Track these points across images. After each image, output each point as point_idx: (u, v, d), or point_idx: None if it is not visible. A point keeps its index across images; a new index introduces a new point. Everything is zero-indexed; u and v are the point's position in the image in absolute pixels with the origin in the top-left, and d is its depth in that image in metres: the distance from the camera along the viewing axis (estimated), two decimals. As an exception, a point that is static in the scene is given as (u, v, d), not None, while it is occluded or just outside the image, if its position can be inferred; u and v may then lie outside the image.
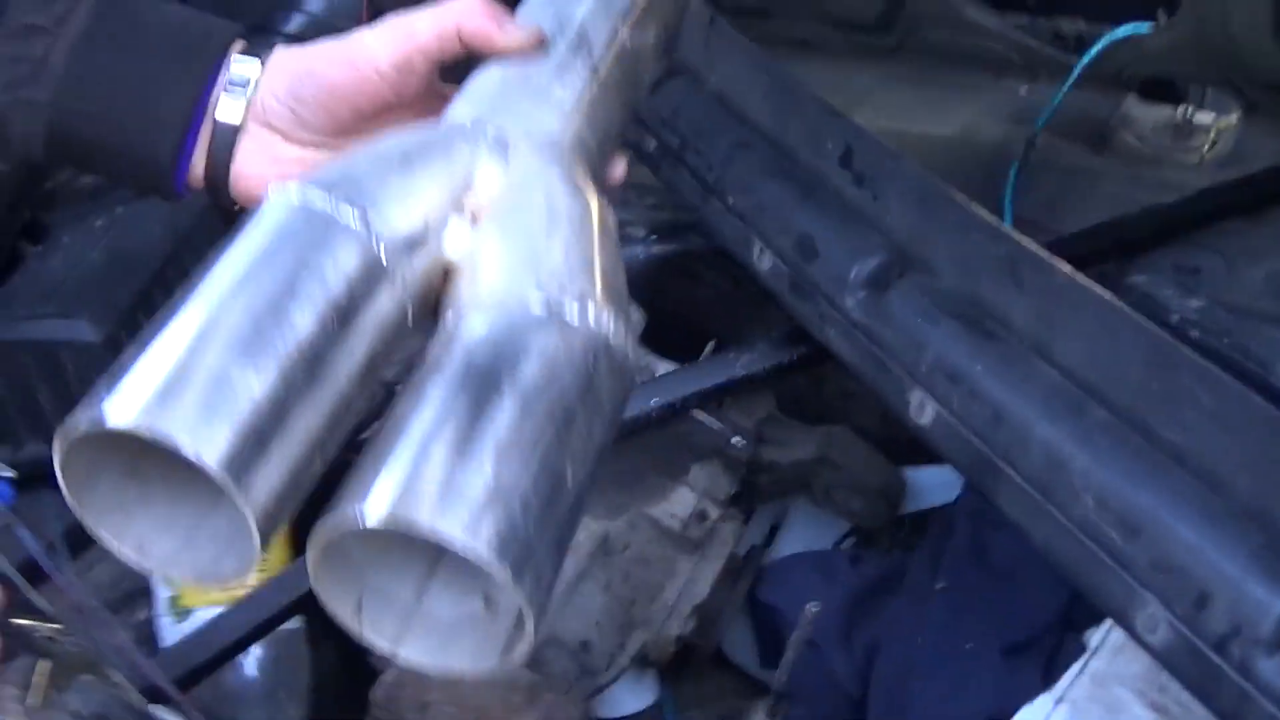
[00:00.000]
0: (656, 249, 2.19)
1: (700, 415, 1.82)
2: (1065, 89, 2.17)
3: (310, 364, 0.85)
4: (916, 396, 1.45)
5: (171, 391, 0.81)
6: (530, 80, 1.09)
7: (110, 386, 0.82)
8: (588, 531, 1.78)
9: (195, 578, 0.91)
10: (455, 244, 0.96)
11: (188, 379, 0.81)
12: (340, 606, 0.86)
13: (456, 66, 1.16)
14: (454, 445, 0.82)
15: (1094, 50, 2.22)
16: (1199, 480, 1.22)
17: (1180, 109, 2.32)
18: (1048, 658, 1.72)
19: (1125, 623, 1.23)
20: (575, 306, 0.91)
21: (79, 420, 0.81)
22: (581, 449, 0.88)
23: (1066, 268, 1.42)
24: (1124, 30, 2.24)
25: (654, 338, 1.97)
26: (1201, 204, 1.97)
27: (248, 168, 1.17)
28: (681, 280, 2.19)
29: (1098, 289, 1.39)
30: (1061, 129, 2.23)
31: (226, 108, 1.15)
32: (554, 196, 0.99)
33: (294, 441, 0.85)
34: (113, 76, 1.15)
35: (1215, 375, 1.25)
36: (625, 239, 2.19)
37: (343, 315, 0.88)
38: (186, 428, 0.79)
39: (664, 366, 1.90)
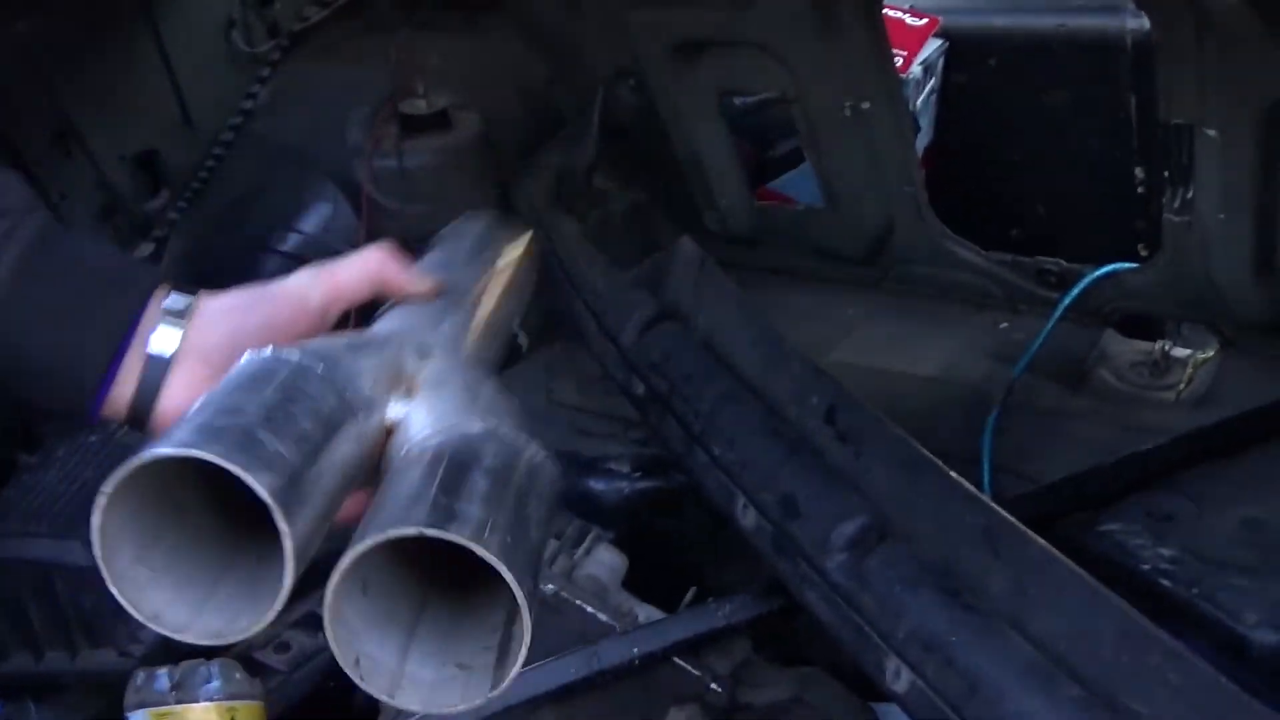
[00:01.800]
0: (640, 485, 2.22)
1: (679, 661, 1.85)
2: (1045, 332, 2.23)
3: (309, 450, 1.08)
4: (892, 664, 1.48)
5: (215, 433, 1.02)
6: (430, 314, 1.39)
7: (154, 441, 1.02)
8: (569, 781, 1.80)
9: (211, 638, 1.09)
10: (395, 411, 1.23)
11: (226, 430, 1.03)
12: (344, 658, 1.07)
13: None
14: (450, 488, 1.08)
15: (1075, 290, 2.29)
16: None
17: (1158, 345, 2.38)
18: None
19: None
20: (507, 430, 1.19)
21: (130, 460, 1.01)
22: (537, 519, 1.14)
23: (1041, 541, 1.47)
24: (1106, 269, 2.31)
25: (636, 576, 2.00)
26: (1176, 450, 2.01)
27: (174, 400, 1.23)
28: (665, 517, 2.22)
29: (1070, 564, 1.43)
30: (1040, 366, 2.29)
31: (162, 338, 1.24)
32: (470, 379, 1.30)
33: (318, 492, 1.08)
34: (43, 303, 1.23)
35: (1184, 655, 1.29)
36: (608, 474, 2.22)
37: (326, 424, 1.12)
38: (238, 456, 0.99)
39: (645, 610, 1.92)
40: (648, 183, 2.78)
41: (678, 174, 2.68)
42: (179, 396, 1.23)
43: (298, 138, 2.78)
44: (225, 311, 1.27)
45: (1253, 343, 2.32)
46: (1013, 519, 1.51)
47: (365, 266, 1.36)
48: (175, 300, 1.25)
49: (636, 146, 2.69)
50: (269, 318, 1.28)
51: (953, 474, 1.59)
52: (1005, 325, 2.47)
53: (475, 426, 1.19)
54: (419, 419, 1.22)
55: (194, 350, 1.24)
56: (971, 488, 1.57)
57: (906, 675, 1.46)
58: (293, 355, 1.15)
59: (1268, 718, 1.23)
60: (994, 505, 1.54)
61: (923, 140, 3.00)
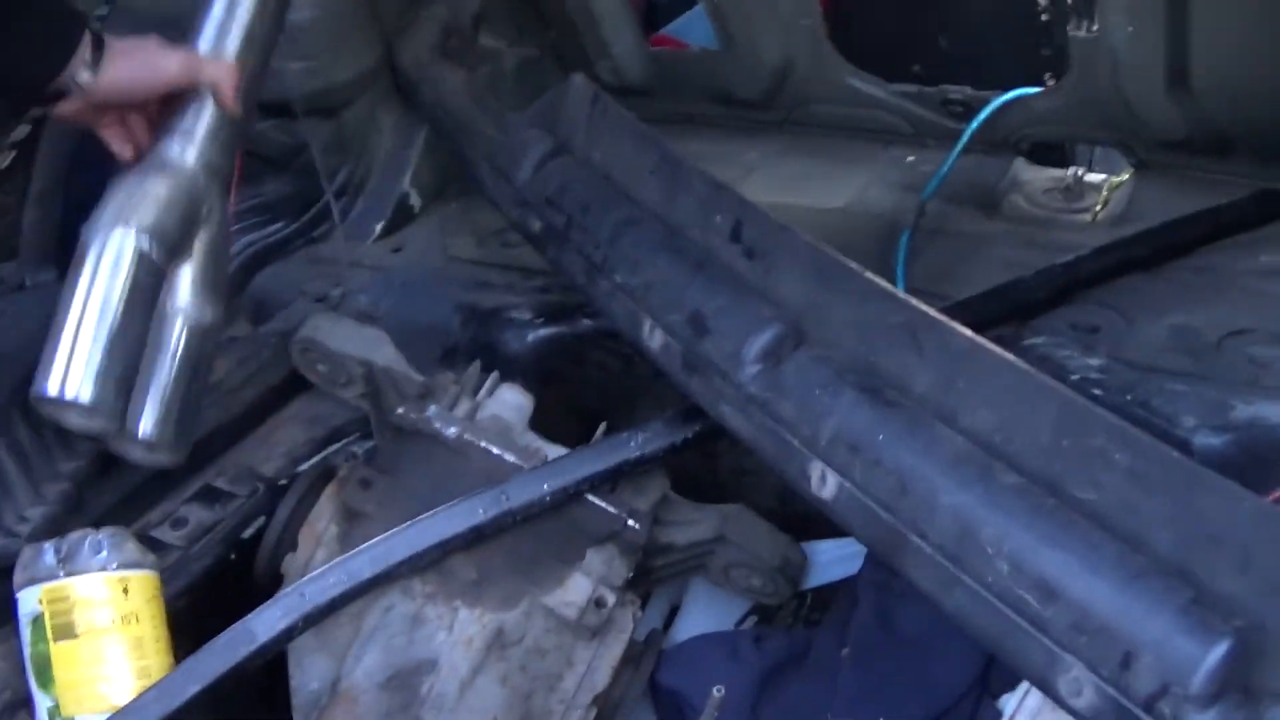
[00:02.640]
0: (543, 332, 2.13)
1: (593, 499, 1.76)
2: (955, 155, 2.16)
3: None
4: (817, 469, 1.41)
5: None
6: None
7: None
8: (481, 625, 1.71)
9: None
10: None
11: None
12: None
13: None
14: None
15: (983, 115, 2.23)
16: (1118, 538, 1.19)
17: (1070, 171, 2.32)
18: (970, 722, 1.68)
19: (1048, 688, 1.19)
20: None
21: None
22: None
23: (967, 332, 1.39)
24: (1013, 94, 2.25)
25: (543, 423, 1.91)
26: (1097, 262, 1.96)
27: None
28: (570, 364, 2.14)
29: (1000, 351, 1.36)
30: (952, 195, 2.23)
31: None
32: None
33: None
34: None
35: (1129, 432, 1.22)
36: (511, 323, 2.13)
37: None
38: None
39: (554, 450, 1.83)
40: (538, 36, 2.68)
41: (568, 25, 2.58)
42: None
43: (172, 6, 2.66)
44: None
45: (1166, 162, 2.28)
46: (935, 313, 1.43)
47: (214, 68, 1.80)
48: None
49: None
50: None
51: (869, 274, 1.51)
52: (912, 159, 2.41)
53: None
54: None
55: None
56: (890, 286, 1.49)
57: (833, 479, 1.39)
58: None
59: (1225, 488, 1.16)
60: (915, 302, 1.46)
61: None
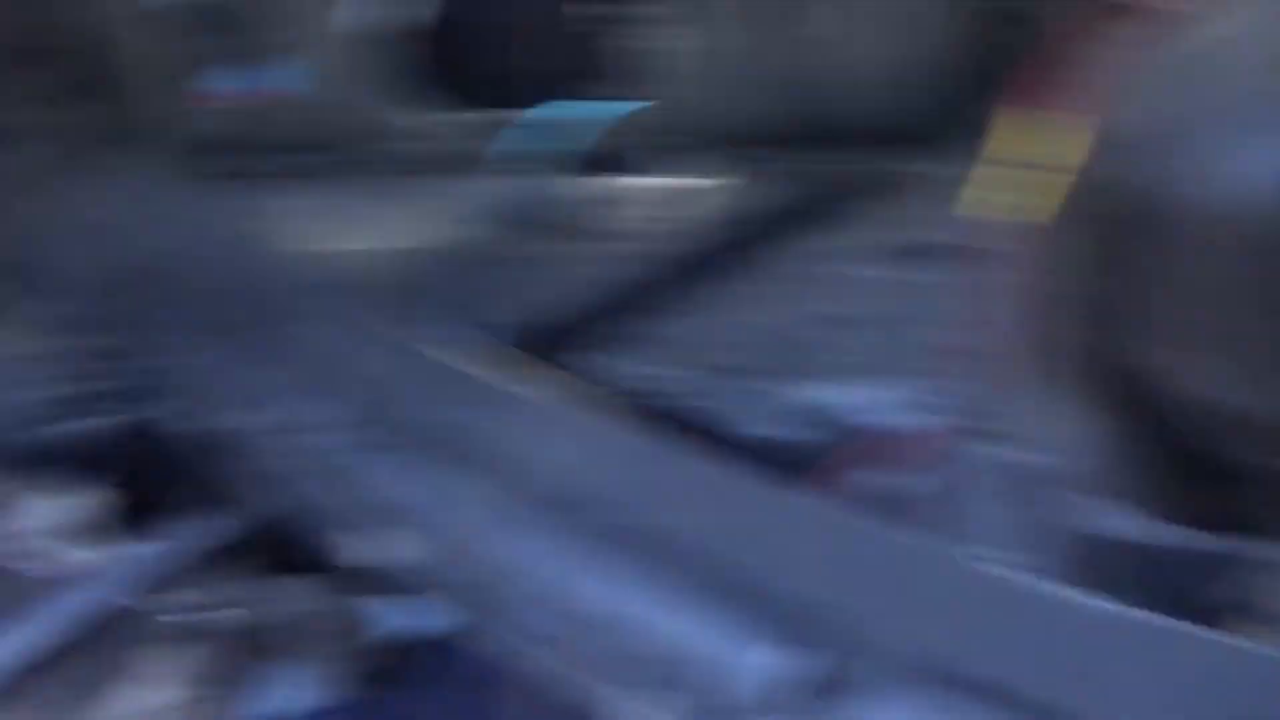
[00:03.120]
0: (94, 423, 2.00)
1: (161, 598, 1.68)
2: (518, 178, 2.14)
3: None
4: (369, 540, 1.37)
5: None
6: None
7: None
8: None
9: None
10: None
11: None
12: None
13: None
14: None
15: (543, 134, 2.21)
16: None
17: (636, 180, 2.33)
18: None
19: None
20: None
21: None
22: None
23: (525, 385, 1.37)
24: (583, 109, 2.24)
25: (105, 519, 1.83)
26: (665, 269, 1.96)
27: None
28: (125, 453, 2.03)
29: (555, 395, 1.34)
30: (528, 219, 2.20)
31: None
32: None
33: None
34: None
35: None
36: (60, 416, 2.02)
37: None
38: None
39: (106, 553, 1.75)
40: (85, 105, 2.58)
41: (116, 89, 2.49)
42: None
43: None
44: None
45: (737, 159, 2.30)
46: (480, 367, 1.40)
47: None
48: None
49: (67, 68, 2.49)
50: None
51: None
52: (487, 185, 2.38)
53: None
54: None
55: None
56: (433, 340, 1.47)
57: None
58: None
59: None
60: (468, 356, 1.43)
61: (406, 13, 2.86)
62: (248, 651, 1.82)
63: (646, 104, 2.23)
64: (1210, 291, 1.32)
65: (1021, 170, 1.58)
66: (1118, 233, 1.42)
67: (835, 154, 2.24)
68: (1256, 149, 1.28)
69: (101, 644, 1.65)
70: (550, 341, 1.84)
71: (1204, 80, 1.37)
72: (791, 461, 1.68)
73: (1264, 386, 1.33)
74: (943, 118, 2.16)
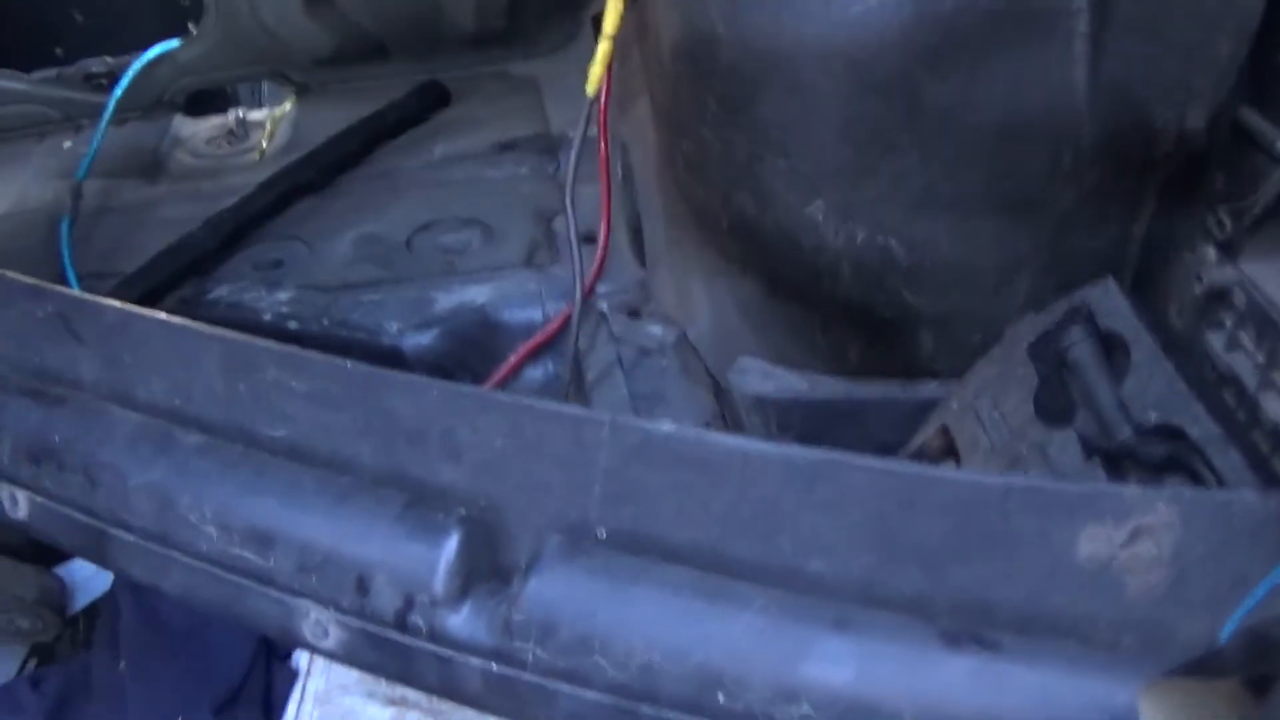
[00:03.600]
0: None
1: None
2: (102, 129, 2.06)
3: None
4: (5, 492, 1.30)
5: None
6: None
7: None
8: None
9: None
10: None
11: None
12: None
13: None
14: None
15: (124, 81, 2.13)
16: (319, 465, 1.16)
17: (230, 114, 2.28)
18: (264, 695, 1.63)
19: (295, 638, 1.15)
20: None
21: None
22: None
23: (121, 305, 1.31)
24: (152, 52, 2.17)
25: None
26: (265, 197, 1.93)
27: None
28: None
29: (156, 315, 1.29)
30: (114, 170, 2.13)
31: None
32: None
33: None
34: None
35: (299, 357, 1.19)
36: None
37: None
38: None
39: None
40: None
41: None
42: None
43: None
44: None
45: (326, 80, 2.27)
46: (88, 297, 1.34)
47: None
48: None
49: None
50: None
51: (10, 274, 1.40)
52: (70, 144, 2.28)
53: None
54: None
55: None
56: (31, 280, 1.39)
57: (24, 497, 1.29)
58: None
59: (412, 384, 1.15)
60: (65, 290, 1.37)
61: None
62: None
63: (226, 35, 2.16)
64: (815, 134, 1.36)
65: (610, 43, 1.59)
66: (691, 84, 1.45)
67: (425, 64, 2.23)
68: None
69: None
70: (166, 279, 1.78)
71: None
72: (437, 364, 1.69)
73: (885, 225, 1.37)
74: (537, 17, 2.17)
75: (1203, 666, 0.84)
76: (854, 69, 1.30)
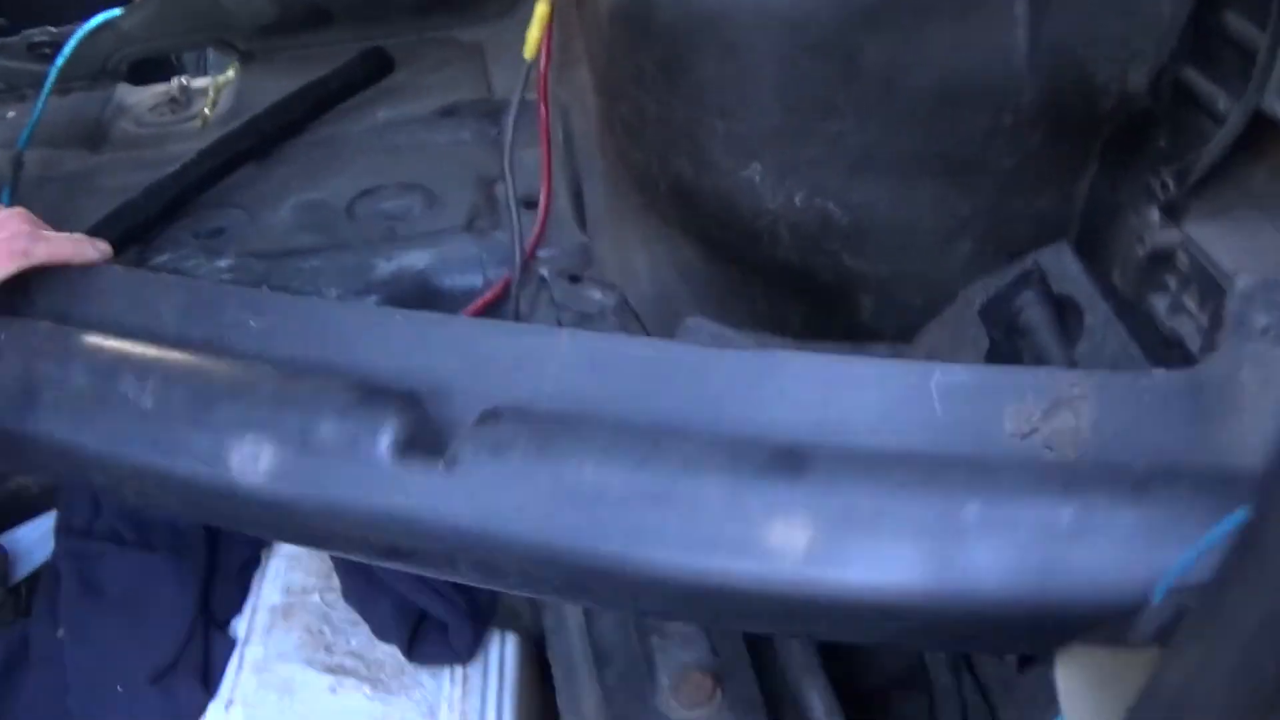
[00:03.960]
0: None
1: None
2: (43, 98, 2.03)
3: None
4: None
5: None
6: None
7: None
8: None
9: None
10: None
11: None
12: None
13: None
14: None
15: (66, 50, 2.10)
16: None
17: (174, 82, 2.25)
18: (202, 663, 1.62)
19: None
20: None
21: None
22: None
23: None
24: (94, 21, 2.14)
25: None
26: (206, 163, 1.90)
27: None
28: None
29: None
30: (56, 140, 2.10)
31: None
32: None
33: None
34: None
35: (256, 297, 1.18)
36: None
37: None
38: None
39: None
40: None
41: None
42: None
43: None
44: None
45: (270, 48, 2.25)
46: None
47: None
48: None
49: None
50: None
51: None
52: (12, 114, 2.25)
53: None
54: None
55: None
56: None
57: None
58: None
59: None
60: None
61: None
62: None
63: (166, 3, 2.14)
64: (752, 96, 1.36)
65: (547, 5, 1.59)
66: (636, 52, 1.44)
67: (367, 30, 2.21)
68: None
69: None
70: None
71: None
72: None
73: (823, 188, 1.37)
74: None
75: (1126, 630, 0.83)
76: (790, 30, 1.31)
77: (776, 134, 1.36)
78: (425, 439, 1.04)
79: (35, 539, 1.89)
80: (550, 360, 1.06)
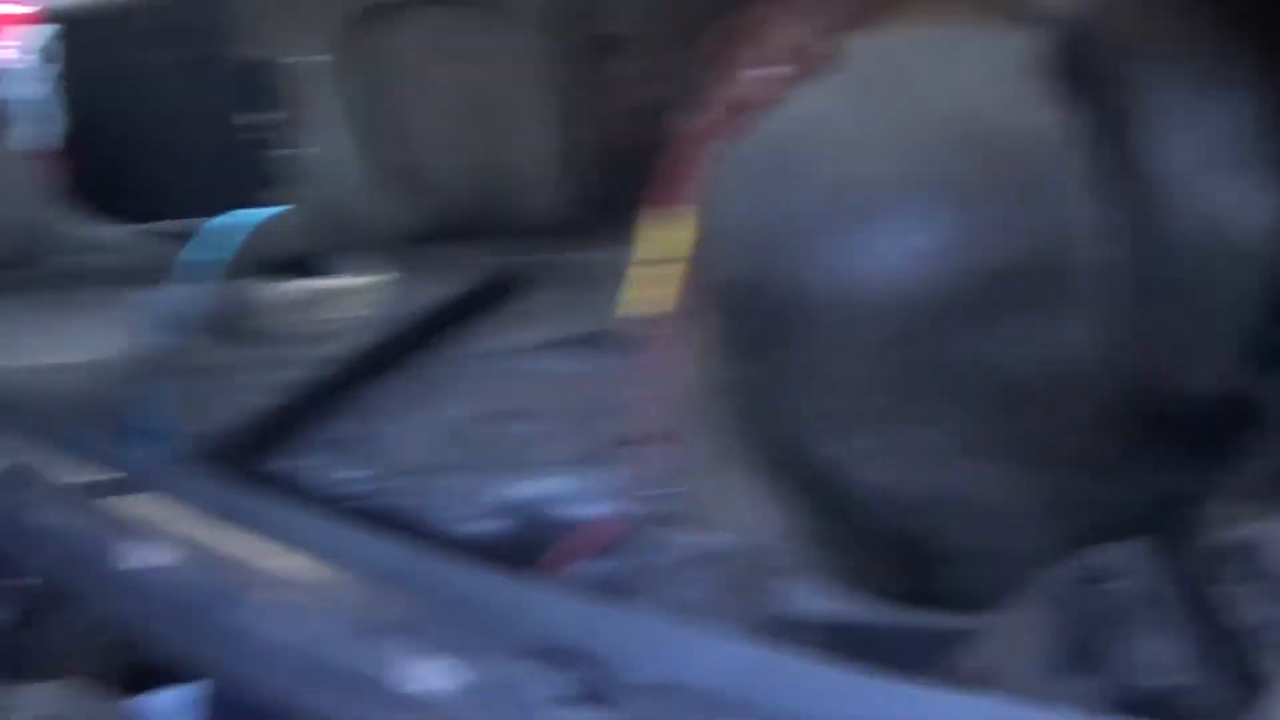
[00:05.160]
0: None
1: None
2: (186, 288, 2.15)
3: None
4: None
5: None
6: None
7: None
8: None
9: None
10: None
11: None
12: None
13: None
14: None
15: (211, 242, 2.22)
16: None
17: (317, 281, 2.37)
18: None
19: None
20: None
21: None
22: None
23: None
24: (242, 218, 2.27)
25: None
26: (345, 372, 2.02)
27: None
28: None
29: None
30: (192, 329, 2.22)
31: None
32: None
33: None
34: None
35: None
36: None
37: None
38: None
39: None
40: None
41: None
42: None
43: None
44: None
45: (406, 258, 2.36)
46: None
47: None
48: None
49: None
50: None
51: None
52: (150, 298, 2.37)
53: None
54: None
55: None
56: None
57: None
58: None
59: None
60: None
61: (60, 128, 2.83)
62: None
63: (312, 208, 2.27)
64: (850, 377, 1.44)
65: (661, 265, 1.70)
66: (743, 324, 1.53)
67: (499, 247, 2.33)
68: (856, 239, 1.41)
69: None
70: (245, 447, 1.87)
71: (791, 172, 1.48)
72: (496, 555, 1.76)
73: (919, 467, 1.45)
74: (598, 209, 2.26)
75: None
76: (887, 318, 1.40)
77: (876, 413, 1.44)
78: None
79: (170, 708, 1.96)
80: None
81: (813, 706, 1.10)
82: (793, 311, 1.45)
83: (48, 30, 2.86)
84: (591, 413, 1.94)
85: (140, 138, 2.85)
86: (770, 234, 1.47)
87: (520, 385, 2.03)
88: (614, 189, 2.19)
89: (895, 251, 1.39)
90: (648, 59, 2.01)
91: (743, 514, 1.69)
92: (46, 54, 2.84)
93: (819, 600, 1.52)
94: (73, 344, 2.28)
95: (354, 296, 2.32)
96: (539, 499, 1.84)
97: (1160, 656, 1.27)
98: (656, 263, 1.71)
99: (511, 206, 2.26)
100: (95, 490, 1.59)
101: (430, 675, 1.23)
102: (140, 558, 1.46)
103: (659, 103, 1.98)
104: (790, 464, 1.55)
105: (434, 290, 2.22)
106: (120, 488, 1.58)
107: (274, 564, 1.43)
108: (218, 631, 1.37)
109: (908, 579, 1.57)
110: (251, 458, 1.87)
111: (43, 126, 2.72)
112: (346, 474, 1.87)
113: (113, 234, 2.40)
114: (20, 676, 1.86)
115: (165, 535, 1.48)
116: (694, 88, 1.82)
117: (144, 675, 2.00)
